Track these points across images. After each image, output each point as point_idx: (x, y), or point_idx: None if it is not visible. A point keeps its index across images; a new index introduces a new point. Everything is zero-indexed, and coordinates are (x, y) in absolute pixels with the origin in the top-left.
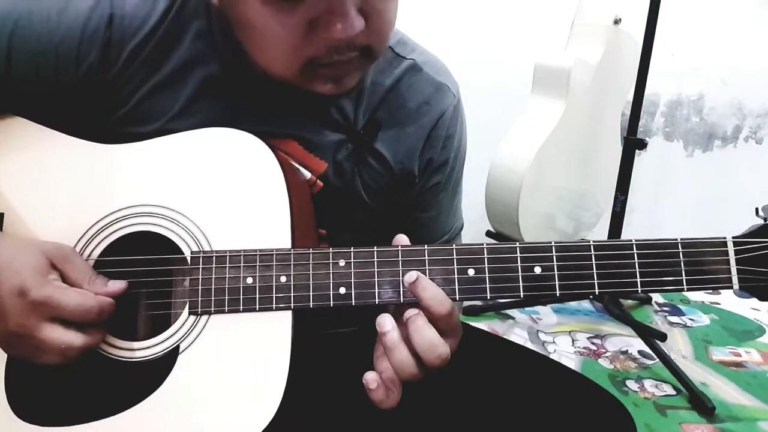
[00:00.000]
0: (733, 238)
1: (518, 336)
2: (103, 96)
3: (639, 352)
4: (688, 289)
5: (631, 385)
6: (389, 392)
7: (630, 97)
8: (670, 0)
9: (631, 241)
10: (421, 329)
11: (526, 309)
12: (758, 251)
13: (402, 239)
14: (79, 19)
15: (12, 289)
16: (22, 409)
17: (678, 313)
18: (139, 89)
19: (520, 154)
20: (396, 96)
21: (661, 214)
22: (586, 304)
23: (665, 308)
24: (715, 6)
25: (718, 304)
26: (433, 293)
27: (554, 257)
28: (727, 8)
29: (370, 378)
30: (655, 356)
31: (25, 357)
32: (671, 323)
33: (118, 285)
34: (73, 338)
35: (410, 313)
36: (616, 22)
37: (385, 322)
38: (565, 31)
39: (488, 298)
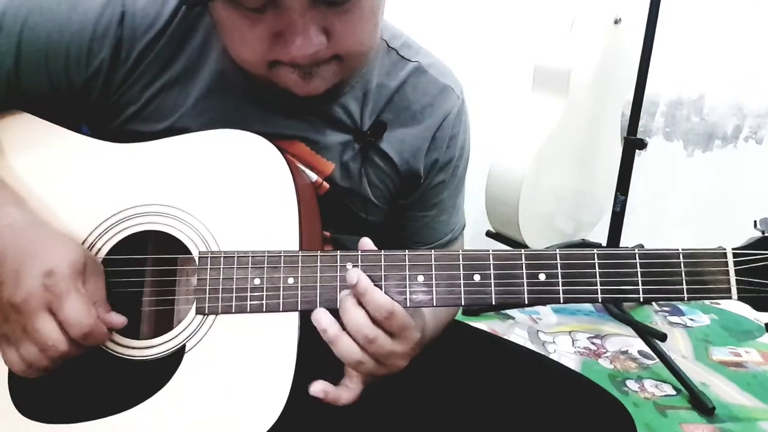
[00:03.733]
0: (732, 249)
1: (518, 336)
2: (113, 94)
3: (639, 352)
4: (689, 299)
5: (631, 385)
6: (343, 390)
7: (630, 96)
8: (670, 0)
9: (634, 250)
10: (347, 310)
11: (526, 309)
12: (757, 263)
13: (366, 243)
14: (90, 17)
15: (43, 265)
16: (26, 406)
17: (678, 313)
18: (149, 87)
19: (520, 154)
20: (401, 98)
21: (661, 214)
22: (586, 305)
23: (665, 308)
24: (715, 6)
25: (718, 304)
26: (372, 298)
27: (558, 265)
28: (727, 8)
29: (317, 389)
30: (655, 356)
31: (6, 339)
32: (671, 323)
33: (117, 319)
34: (61, 341)
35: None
36: (617, 22)
37: (321, 318)
38: (565, 31)
39: (493, 303)
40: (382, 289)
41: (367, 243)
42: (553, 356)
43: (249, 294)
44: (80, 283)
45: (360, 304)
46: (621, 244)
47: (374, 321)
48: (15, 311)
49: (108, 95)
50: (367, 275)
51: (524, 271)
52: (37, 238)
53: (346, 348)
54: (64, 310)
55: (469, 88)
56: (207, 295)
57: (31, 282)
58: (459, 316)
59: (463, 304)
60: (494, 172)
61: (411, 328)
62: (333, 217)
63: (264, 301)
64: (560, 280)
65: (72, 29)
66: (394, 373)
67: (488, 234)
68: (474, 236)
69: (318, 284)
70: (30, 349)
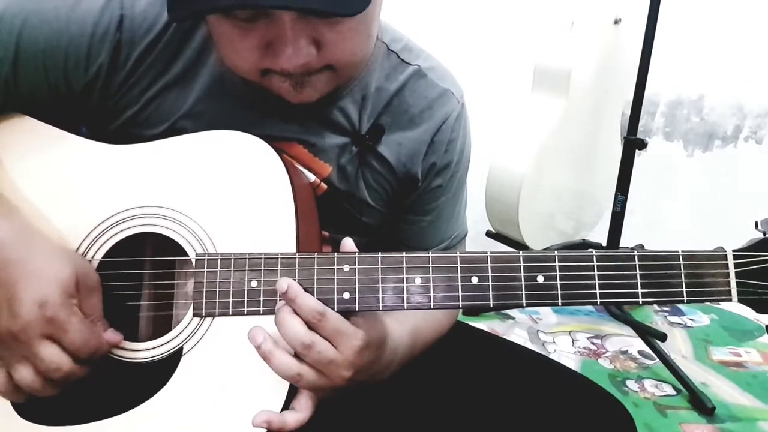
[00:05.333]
0: (733, 251)
1: (518, 336)
2: (112, 97)
3: (639, 352)
4: (688, 301)
5: (631, 385)
6: (289, 414)
7: (630, 96)
8: (670, 0)
9: (633, 252)
10: (283, 320)
11: (526, 309)
12: (757, 265)
13: (348, 243)
14: (89, 20)
15: (35, 296)
16: (24, 408)
17: (678, 313)
18: (147, 90)
19: (520, 154)
20: (400, 101)
21: (661, 214)
22: None
23: (665, 308)
24: (715, 6)
25: (719, 304)
26: (303, 302)
27: (557, 267)
28: (727, 8)
29: (259, 421)
30: (655, 356)
31: (7, 363)
32: (671, 323)
33: (114, 337)
34: (64, 362)
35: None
36: (617, 22)
37: (257, 334)
38: (565, 31)
39: (491, 305)
40: (379, 291)
41: (349, 244)
42: (553, 356)
43: (246, 296)
44: (75, 303)
45: (294, 312)
46: (621, 244)
47: (309, 327)
48: (13, 339)
49: (107, 98)
50: (365, 277)
51: (522, 273)
52: (25, 255)
53: (281, 362)
54: (68, 337)
55: (470, 88)
56: (204, 298)
57: (27, 313)
58: (459, 316)
59: (460, 306)
60: (494, 171)
61: (347, 333)
62: (331, 218)
63: (261, 304)
64: (558, 282)
65: (70, 33)
66: (340, 387)
67: (488, 234)
68: (474, 236)
69: (315, 286)
70: (24, 373)
